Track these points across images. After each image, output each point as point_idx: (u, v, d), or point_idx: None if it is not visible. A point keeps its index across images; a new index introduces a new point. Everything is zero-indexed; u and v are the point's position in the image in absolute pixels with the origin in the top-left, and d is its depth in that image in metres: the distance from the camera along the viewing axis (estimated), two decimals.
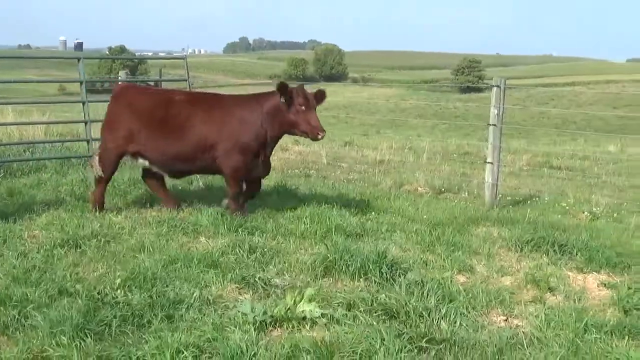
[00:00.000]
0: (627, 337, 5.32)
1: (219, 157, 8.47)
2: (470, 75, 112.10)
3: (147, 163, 8.77)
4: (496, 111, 10.33)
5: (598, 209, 10.25)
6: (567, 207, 10.35)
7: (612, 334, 5.37)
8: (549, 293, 6.39)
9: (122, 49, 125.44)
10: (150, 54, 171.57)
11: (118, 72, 16.21)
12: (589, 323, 5.48)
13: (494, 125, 10.40)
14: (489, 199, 10.41)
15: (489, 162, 10.52)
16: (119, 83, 10.04)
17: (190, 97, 9.09)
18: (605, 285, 6.71)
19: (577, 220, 9.62)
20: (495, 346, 4.97)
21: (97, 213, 8.55)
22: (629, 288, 6.32)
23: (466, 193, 11.30)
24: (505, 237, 8.09)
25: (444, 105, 76.96)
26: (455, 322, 5.39)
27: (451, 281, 6.32)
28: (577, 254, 7.48)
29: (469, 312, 5.68)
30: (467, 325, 5.39)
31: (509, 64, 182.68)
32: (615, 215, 10.02)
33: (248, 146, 8.44)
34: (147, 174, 9.13)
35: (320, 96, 8.50)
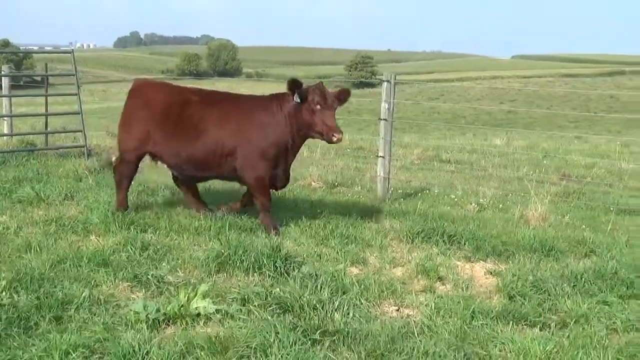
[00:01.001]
0: (511, 322, 5.54)
1: (240, 166, 7.95)
2: (363, 71, 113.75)
3: (165, 166, 8.46)
4: (387, 106, 10.51)
5: (485, 200, 10.60)
6: (456, 199, 10.67)
7: (497, 320, 5.58)
8: (438, 282, 6.59)
9: (6, 43, 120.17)
10: (35, 47, 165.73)
11: (1, 67, 15.58)
12: (476, 310, 5.69)
13: (385, 119, 10.58)
14: (381, 193, 10.59)
15: (380, 156, 10.70)
16: (136, 79, 9.19)
17: (209, 97, 8.42)
18: (491, 273, 6.96)
19: (465, 212, 9.91)
20: (388, 335, 5.08)
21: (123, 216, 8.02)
22: (514, 275, 6.59)
23: (359, 187, 11.45)
24: (397, 229, 8.26)
25: None
26: (348, 314, 5.48)
27: (344, 273, 6.41)
28: (465, 244, 7.73)
29: (362, 303, 5.79)
30: (360, 316, 5.48)
31: (400, 59, 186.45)
32: (500, 206, 10.38)
33: (270, 151, 7.93)
34: (176, 177, 8.76)
35: (343, 95, 7.96)
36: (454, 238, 7.87)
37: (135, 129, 8.27)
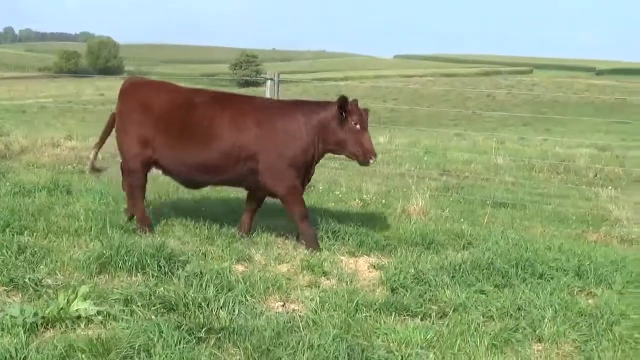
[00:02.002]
0: (394, 313, 5.70)
1: (264, 174, 7.51)
2: (248, 70, 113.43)
3: (160, 173, 7.93)
4: None
5: (368, 196, 10.82)
6: (341, 195, 10.84)
7: (380, 312, 5.73)
8: (323, 277, 6.68)
9: None
10: None
11: None
12: (359, 303, 5.80)
13: None
14: None
15: None
16: (128, 77, 8.63)
17: (218, 98, 7.92)
18: (375, 267, 7.11)
19: (350, 207, 10.09)
20: (273, 330, 5.10)
21: (148, 234, 7.51)
22: (396, 268, 6.76)
23: None
24: (283, 226, 8.30)
25: None
26: (234, 311, 5.46)
27: (230, 271, 6.38)
28: (349, 239, 7.86)
29: (248, 300, 5.79)
30: (245, 313, 5.48)
31: (285, 58, 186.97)
32: (383, 201, 10.62)
33: (298, 161, 7.53)
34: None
35: (366, 115, 7.66)
36: (339, 234, 7.98)
37: (133, 133, 7.74)
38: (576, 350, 5.31)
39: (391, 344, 5.10)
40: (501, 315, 5.82)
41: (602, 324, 5.67)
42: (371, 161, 7.62)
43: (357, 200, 10.53)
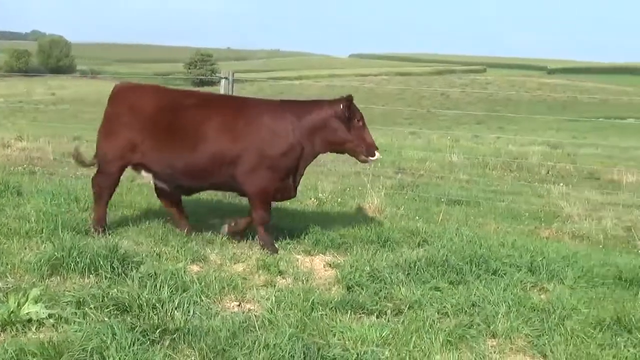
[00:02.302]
0: (349, 312, 5.71)
1: (240, 174, 7.41)
2: (202, 69, 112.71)
3: (150, 177, 7.75)
4: None
5: (324, 195, 10.83)
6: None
7: (336, 310, 5.73)
8: (279, 276, 6.65)
9: None
10: None
11: None
12: (315, 301, 5.80)
13: None
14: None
15: None
16: (117, 83, 8.26)
17: (207, 101, 7.88)
18: (330, 265, 7.12)
19: (305, 206, 10.08)
20: (229, 330, 5.07)
21: (101, 235, 7.35)
22: (352, 266, 6.78)
23: None
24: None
25: None
26: (189, 311, 5.41)
27: (184, 271, 6.32)
28: (305, 238, 7.85)
29: (203, 301, 5.74)
30: (201, 313, 5.43)
31: (240, 58, 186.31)
32: (339, 200, 10.65)
33: (279, 163, 7.43)
34: (161, 191, 8.04)
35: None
36: (294, 233, 7.97)
37: (119, 137, 7.60)
38: (529, 344, 5.39)
39: (347, 342, 5.10)
40: (456, 312, 5.88)
41: (554, 318, 5.76)
42: (375, 156, 7.65)
43: (312, 199, 10.54)
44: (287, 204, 10.10)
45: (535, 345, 5.35)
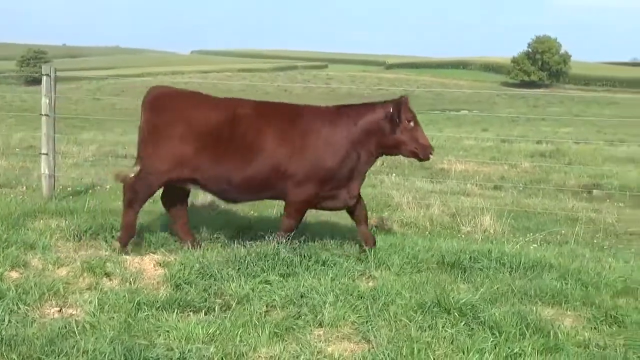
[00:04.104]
0: (176, 310, 5.63)
1: (290, 185, 7.16)
2: (36, 67, 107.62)
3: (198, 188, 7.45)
4: (47, 100, 9.98)
5: (158, 192, 10.57)
6: None
7: (163, 309, 5.64)
8: (105, 278, 6.46)
9: None
10: None
11: None
12: (141, 302, 5.69)
13: (47, 115, 10.06)
14: (47, 191, 10.09)
15: (44, 154, 10.15)
16: (155, 86, 7.69)
17: (262, 110, 7.42)
18: (160, 264, 6.97)
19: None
20: (46, 338, 4.87)
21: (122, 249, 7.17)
22: (181, 264, 6.68)
23: (24, 187, 10.82)
24: (64, 227, 7.91)
25: (9, 98, 72.68)
26: (4, 320, 5.15)
27: (1, 279, 6.01)
28: (135, 237, 7.63)
29: (20, 308, 5.48)
30: (17, 322, 5.19)
31: (78, 55, 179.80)
32: None
33: (330, 173, 7.19)
34: (168, 197, 7.63)
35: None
36: None
37: (168, 149, 7.14)
38: (355, 331, 5.51)
39: (172, 342, 5.03)
40: (285, 304, 5.92)
41: (379, 305, 5.92)
42: (431, 156, 7.53)
43: None
44: (119, 203, 9.84)
45: (360, 332, 5.47)
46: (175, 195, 7.63)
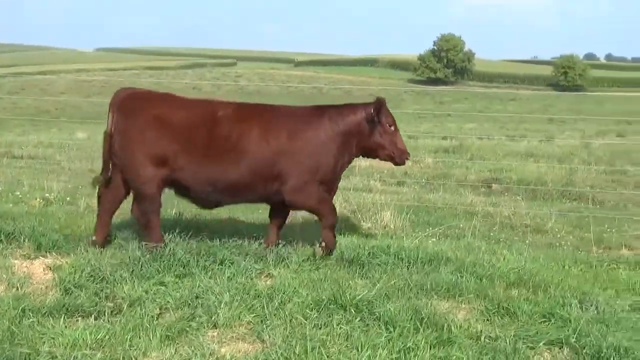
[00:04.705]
0: (64, 316, 5.43)
1: (291, 190, 7.14)
2: None
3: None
4: None
5: (51, 194, 10.26)
6: (21, 196, 10.16)
7: (50, 315, 5.43)
8: None
9: None
10: None
11: None
12: (27, 308, 5.47)
13: None
14: None
15: None
16: (122, 89, 7.31)
17: (241, 111, 7.31)
18: (50, 268, 6.71)
19: (30, 208, 9.47)
20: None
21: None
22: (72, 267, 6.45)
23: None
24: None
25: None
26: None
27: None
28: (25, 241, 7.32)
29: None
30: None
31: None
32: (68, 199, 10.14)
33: (326, 173, 7.26)
34: (105, 195, 7.32)
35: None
36: (13, 236, 7.41)
37: (148, 152, 6.92)
38: (250, 331, 5.44)
39: (57, 349, 4.84)
40: (179, 306, 5.79)
41: (275, 303, 5.86)
42: (407, 161, 7.57)
43: (38, 199, 9.93)
44: (10, 205, 9.49)
45: (255, 332, 5.40)
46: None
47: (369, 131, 7.36)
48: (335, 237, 7.48)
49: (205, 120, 7.09)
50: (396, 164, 7.68)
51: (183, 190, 7.27)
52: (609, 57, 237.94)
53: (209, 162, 7.03)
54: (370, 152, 7.60)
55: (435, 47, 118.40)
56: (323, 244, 7.35)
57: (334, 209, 7.53)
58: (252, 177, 7.11)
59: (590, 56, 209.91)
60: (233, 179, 7.11)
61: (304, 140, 7.22)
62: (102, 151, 7.33)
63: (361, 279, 6.75)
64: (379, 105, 7.32)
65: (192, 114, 7.15)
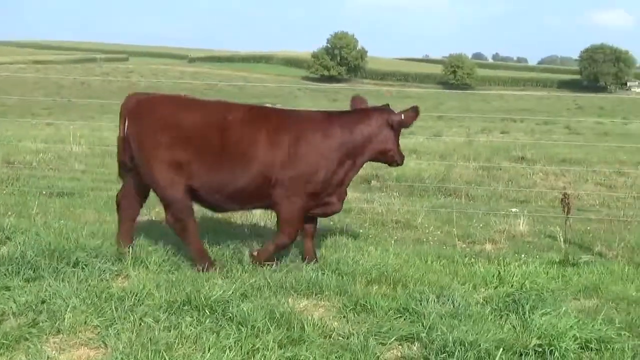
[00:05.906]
0: None
1: (279, 193, 6.89)
2: None
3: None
4: None
5: None
6: None
7: None
8: None
9: None
10: None
11: None
12: None
13: None
14: None
15: None
16: (132, 94, 7.17)
17: (251, 115, 7.02)
18: None
19: None
20: None
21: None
22: None
23: None
24: None
25: None
26: None
27: None
28: None
29: None
30: None
31: None
32: None
33: (324, 183, 7.01)
34: (124, 200, 7.22)
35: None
36: None
37: (164, 159, 6.72)
38: (96, 336, 5.21)
39: None
40: (22, 311, 5.50)
41: (126, 306, 5.66)
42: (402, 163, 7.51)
43: None
44: None
45: (101, 337, 5.18)
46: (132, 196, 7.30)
47: (386, 137, 7.20)
48: (273, 258, 7.16)
49: (217, 124, 6.89)
50: (397, 165, 7.65)
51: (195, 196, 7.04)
52: (495, 57, 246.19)
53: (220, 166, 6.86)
54: (379, 157, 7.42)
55: (329, 45, 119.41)
56: (257, 254, 7.12)
57: (297, 235, 7.27)
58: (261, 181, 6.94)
59: (478, 55, 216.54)
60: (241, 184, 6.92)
61: (306, 149, 6.97)
62: (117, 153, 7.28)
63: (222, 278, 6.62)
64: (416, 112, 7.21)
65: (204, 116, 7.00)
